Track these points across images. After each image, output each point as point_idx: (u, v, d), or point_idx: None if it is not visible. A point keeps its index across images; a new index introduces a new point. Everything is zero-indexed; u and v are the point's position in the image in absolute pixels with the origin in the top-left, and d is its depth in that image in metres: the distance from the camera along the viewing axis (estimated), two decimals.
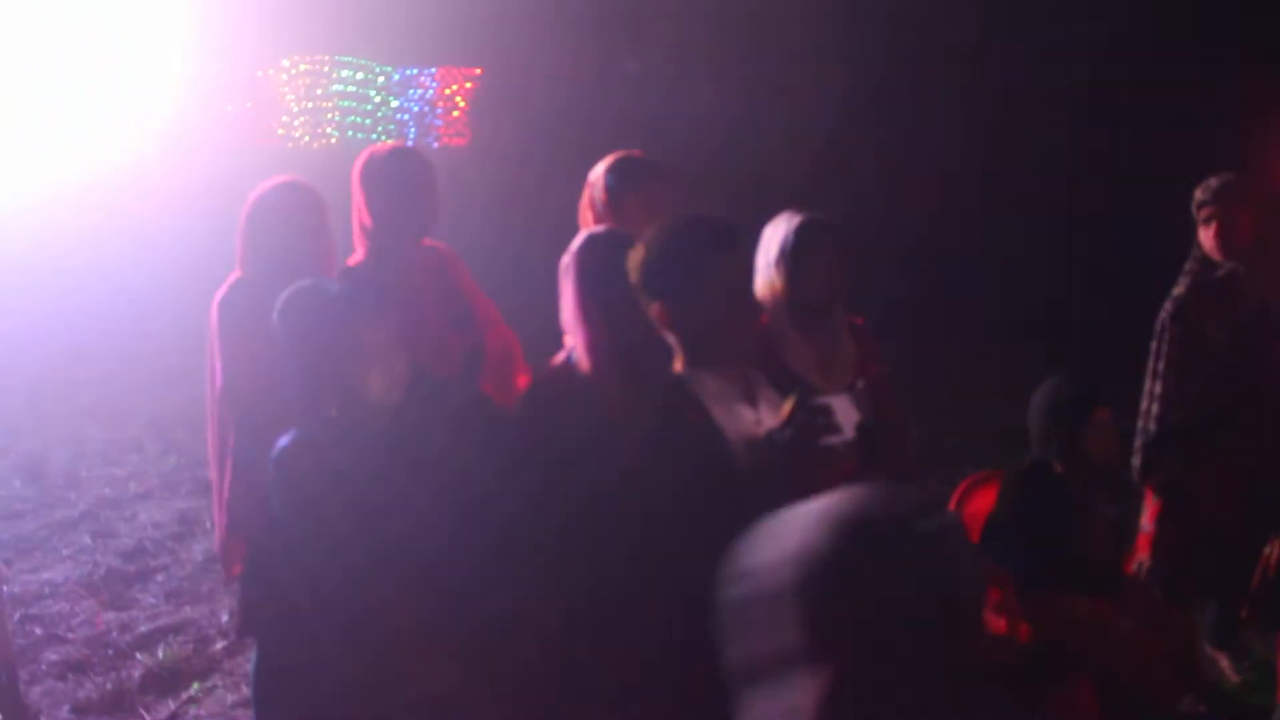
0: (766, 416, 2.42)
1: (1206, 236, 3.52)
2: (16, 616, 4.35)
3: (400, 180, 3.09)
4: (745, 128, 9.37)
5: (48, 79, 10.00)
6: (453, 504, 2.37)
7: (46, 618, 4.45)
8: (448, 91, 11.37)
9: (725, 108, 9.65)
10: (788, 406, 2.30)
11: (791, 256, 2.92)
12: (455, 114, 11.36)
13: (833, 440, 2.35)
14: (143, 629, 4.33)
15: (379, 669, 2.35)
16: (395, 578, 2.34)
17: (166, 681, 3.96)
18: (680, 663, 2.01)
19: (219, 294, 3.13)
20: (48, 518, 5.44)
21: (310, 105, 11.83)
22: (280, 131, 11.90)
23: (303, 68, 11.87)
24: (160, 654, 4.12)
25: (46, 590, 4.68)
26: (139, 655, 4.13)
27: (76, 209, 9.51)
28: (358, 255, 3.17)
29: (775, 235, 2.94)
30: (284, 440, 2.46)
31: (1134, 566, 3.57)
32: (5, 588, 4.06)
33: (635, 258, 2.33)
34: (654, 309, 2.33)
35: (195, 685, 3.91)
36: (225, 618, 4.34)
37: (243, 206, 3.15)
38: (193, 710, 3.80)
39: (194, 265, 3.16)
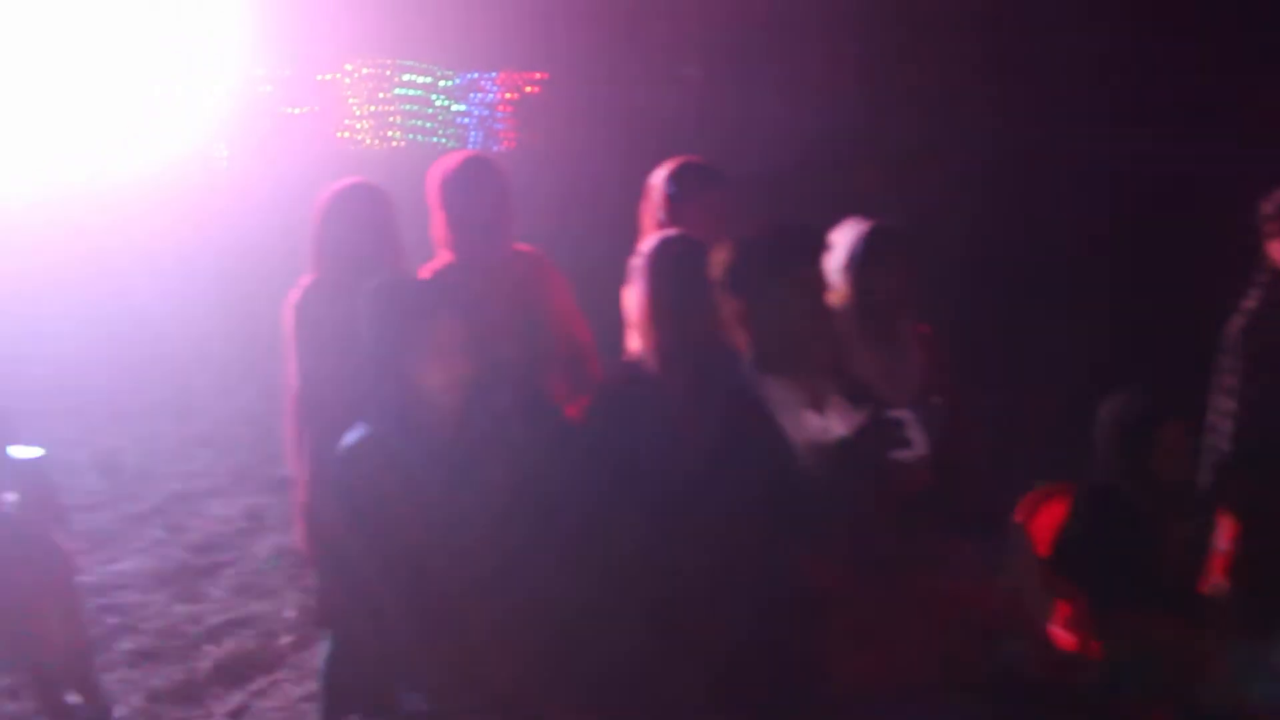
0: (834, 425, 2.43)
1: (1276, 250, 3.46)
2: (93, 606, 4.46)
3: (475, 188, 3.14)
4: (805, 131, 9.28)
5: (120, 76, 10.21)
6: (519, 505, 2.40)
7: (121, 608, 4.57)
8: (509, 96, 11.47)
9: (786, 112, 9.57)
10: (859, 417, 2.31)
11: (859, 264, 2.92)
12: (516, 118, 11.45)
13: (903, 454, 2.36)
14: (212, 622, 4.42)
15: (453, 667, 2.39)
16: (465, 578, 2.38)
17: (234, 674, 4.04)
18: (748, 662, 2.04)
19: (293, 296, 3.19)
20: (122, 511, 5.58)
21: (374, 108, 11.99)
22: (344, 134, 12.07)
23: (366, 71, 12.04)
24: (228, 647, 4.22)
25: (121, 581, 4.80)
26: (208, 647, 4.23)
27: (147, 207, 9.69)
28: (438, 261, 3.22)
29: (843, 242, 2.94)
30: (350, 436, 2.51)
31: (1210, 587, 3.50)
32: (82, 577, 4.15)
33: (722, 255, 2.36)
34: (732, 307, 2.35)
35: (262, 679, 3.99)
36: (290, 613, 4.42)
37: (312, 208, 3.20)
38: (259, 703, 3.87)
39: (260, 265, 3.23)
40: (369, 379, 2.55)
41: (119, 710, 3.77)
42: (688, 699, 2.27)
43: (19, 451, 3.85)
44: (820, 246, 2.51)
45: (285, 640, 4.18)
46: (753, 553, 2.24)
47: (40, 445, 4.01)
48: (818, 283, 2.46)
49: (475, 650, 2.39)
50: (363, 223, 3.13)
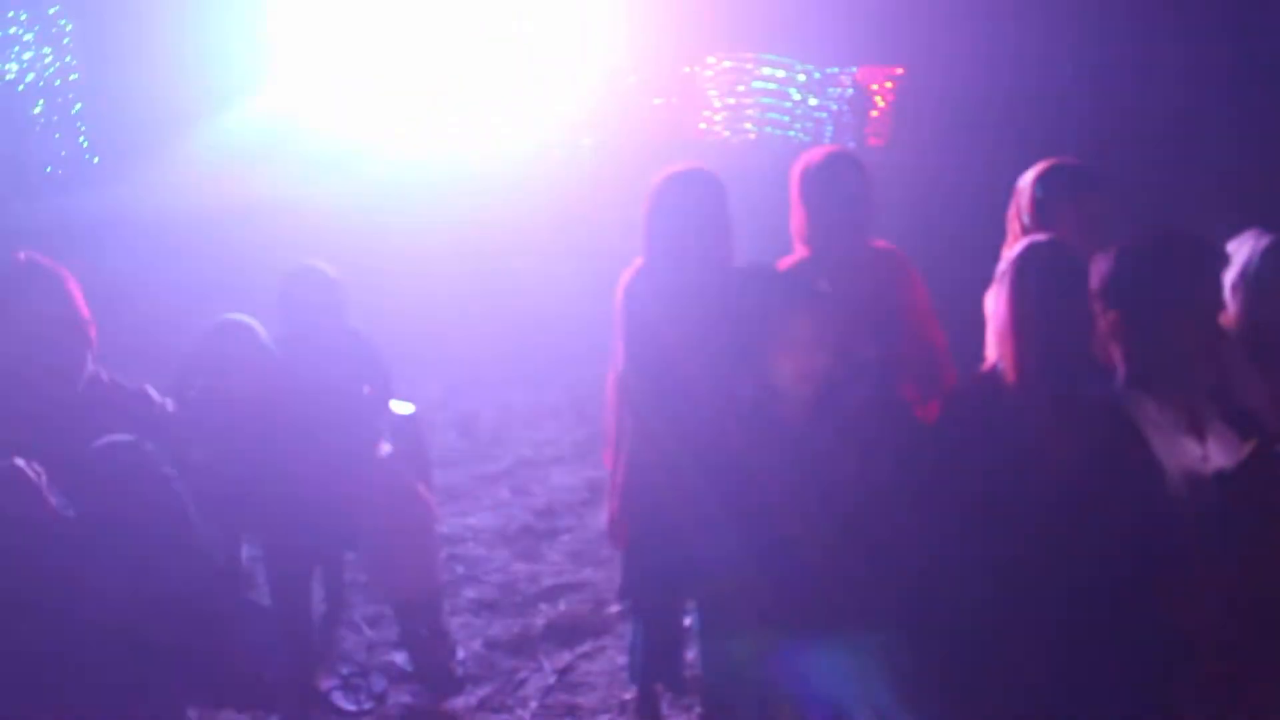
0: (1214, 454, 2.21)
1: None
2: (444, 555, 4.85)
3: (836, 184, 3.12)
4: (1220, 128, 8.12)
5: (492, 66, 10.85)
6: (865, 505, 2.36)
7: (467, 559, 4.94)
8: (869, 90, 11.30)
9: (1198, 103, 8.32)
10: (1244, 448, 2.09)
11: (1254, 280, 2.66)
12: (874, 113, 11.26)
13: None
14: (547, 583, 4.69)
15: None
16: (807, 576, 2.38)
17: (565, 634, 4.26)
18: (1102, 697, 1.90)
19: (624, 279, 3.24)
20: (475, 470, 6.02)
21: (732, 101, 12.18)
22: (702, 126, 12.33)
23: (727, 64, 12.24)
24: (561, 608, 4.45)
25: (469, 535, 5.19)
26: (543, 606, 4.49)
27: (515, 191, 10.30)
28: (795, 255, 3.22)
29: (1238, 255, 2.67)
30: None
31: None
32: (437, 527, 4.52)
33: (1099, 264, 2.21)
34: (1109, 319, 2.20)
35: (589, 642, 4.18)
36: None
37: (645, 192, 3.20)
38: (586, 665, 4.06)
39: (618, 249, 3.34)
40: (720, 366, 2.60)
41: (460, 652, 4.08)
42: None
43: (397, 406, 4.25)
44: (1213, 260, 2.29)
45: (613, 609, 4.35)
46: (1116, 586, 2.08)
47: (412, 403, 4.41)
48: (1207, 299, 2.24)
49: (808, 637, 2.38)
50: (688, 209, 3.12)
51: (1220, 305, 2.33)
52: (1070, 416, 2.22)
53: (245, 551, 4.37)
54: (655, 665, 3.41)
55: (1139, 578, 2.11)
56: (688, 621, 3.52)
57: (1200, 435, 2.25)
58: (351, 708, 3.83)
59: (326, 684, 3.95)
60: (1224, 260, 2.32)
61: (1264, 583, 2.09)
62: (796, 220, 3.22)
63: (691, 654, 3.50)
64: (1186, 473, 2.17)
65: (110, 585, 2.75)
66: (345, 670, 4.03)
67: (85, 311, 3.08)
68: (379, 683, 3.95)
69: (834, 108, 11.62)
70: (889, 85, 11.18)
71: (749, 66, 12.14)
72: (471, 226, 9.29)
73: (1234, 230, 2.76)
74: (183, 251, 8.06)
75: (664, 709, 3.52)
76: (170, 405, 3.74)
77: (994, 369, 2.42)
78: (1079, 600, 2.17)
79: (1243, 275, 2.67)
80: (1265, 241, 2.68)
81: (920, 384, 3.08)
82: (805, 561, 2.45)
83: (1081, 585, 2.13)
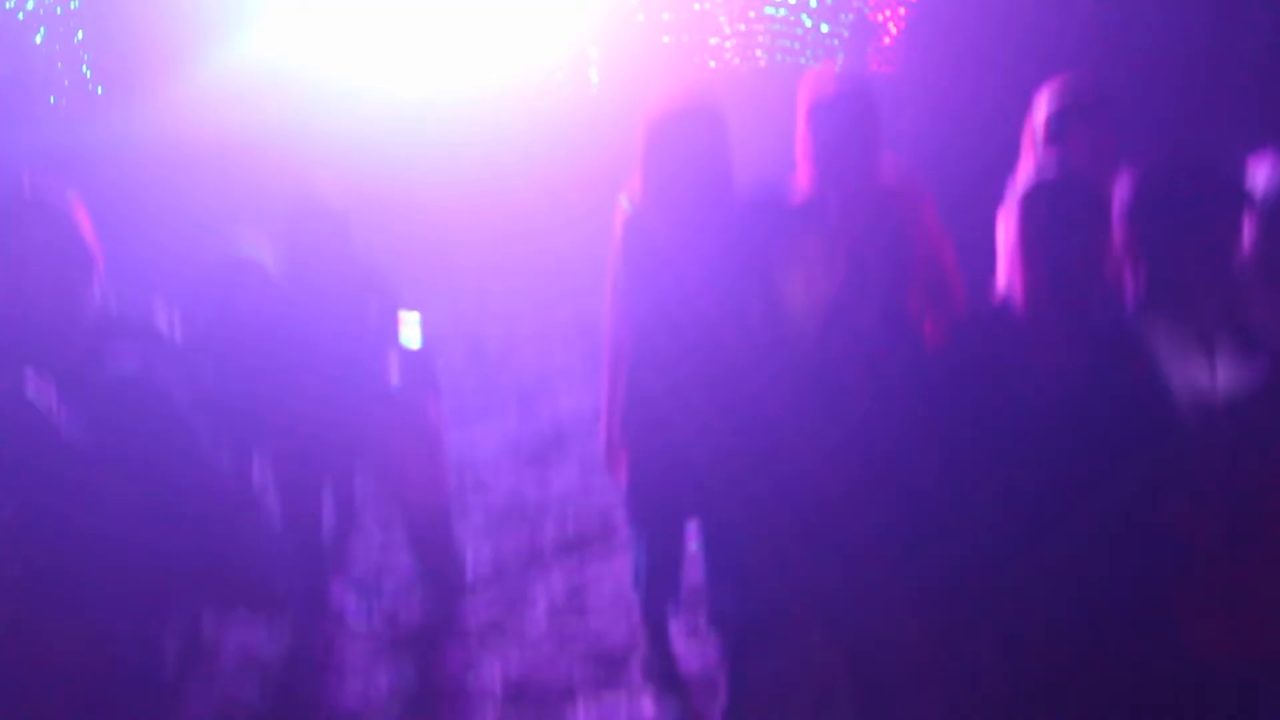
0: (1225, 378, 2.23)
1: None
2: (454, 471, 4.91)
3: (844, 110, 3.06)
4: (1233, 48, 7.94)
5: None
6: (871, 425, 2.39)
7: (477, 475, 5.01)
8: (881, 18, 11.13)
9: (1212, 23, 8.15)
10: (1255, 371, 2.11)
11: (1269, 204, 2.64)
12: (885, 40, 11.10)
13: None
14: (555, 497, 4.76)
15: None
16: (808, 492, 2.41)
17: (573, 546, 4.34)
18: (1105, 613, 1.95)
19: (621, 210, 3.19)
20: (483, 392, 6.08)
21: (742, 28, 12.02)
22: (711, 63, 12.17)
23: None
24: (569, 522, 4.52)
25: (478, 454, 5.25)
26: (550, 520, 4.56)
27: (521, 121, 10.18)
28: (804, 181, 3.20)
29: (1255, 178, 2.66)
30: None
31: None
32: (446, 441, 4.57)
33: (1118, 186, 2.22)
34: (1126, 238, 2.20)
35: (597, 554, 4.26)
36: None
37: (643, 124, 3.12)
38: (593, 575, 4.14)
39: (622, 178, 3.33)
40: (726, 288, 2.61)
41: (469, 564, 4.16)
42: (1034, 638, 2.19)
43: (406, 332, 4.28)
44: (1230, 183, 2.29)
45: (621, 521, 4.41)
46: (1122, 506, 2.12)
47: (421, 326, 4.44)
48: (1222, 221, 2.24)
49: (812, 553, 2.42)
50: (684, 142, 3.05)
51: (1236, 229, 2.33)
52: (1080, 341, 2.24)
53: (257, 469, 4.44)
54: (660, 580, 3.47)
55: (1145, 498, 2.15)
56: (692, 538, 3.58)
57: (1211, 359, 2.26)
58: (363, 618, 3.92)
59: (337, 595, 4.03)
60: (1241, 184, 2.31)
61: (1266, 501, 2.12)
62: (804, 153, 3.17)
63: (697, 568, 3.57)
64: (1195, 395, 2.20)
65: (124, 503, 2.79)
66: (357, 582, 4.12)
67: (93, 241, 3.08)
68: (390, 594, 4.03)
69: (845, 34, 11.46)
70: (901, 11, 11.03)
71: None
72: (479, 157, 9.24)
73: (1253, 154, 2.74)
74: (187, 182, 8.03)
75: (669, 617, 3.59)
76: (179, 335, 3.77)
77: (1004, 293, 2.43)
78: (1084, 521, 2.20)
79: (1264, 199, 2.65)
80: None
81: (931, 308, 3.08)
82: (808, 481, 2.48)
83: (1087, 507, 2.16)
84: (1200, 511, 2.13)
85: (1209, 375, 2.24)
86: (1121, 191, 2.29)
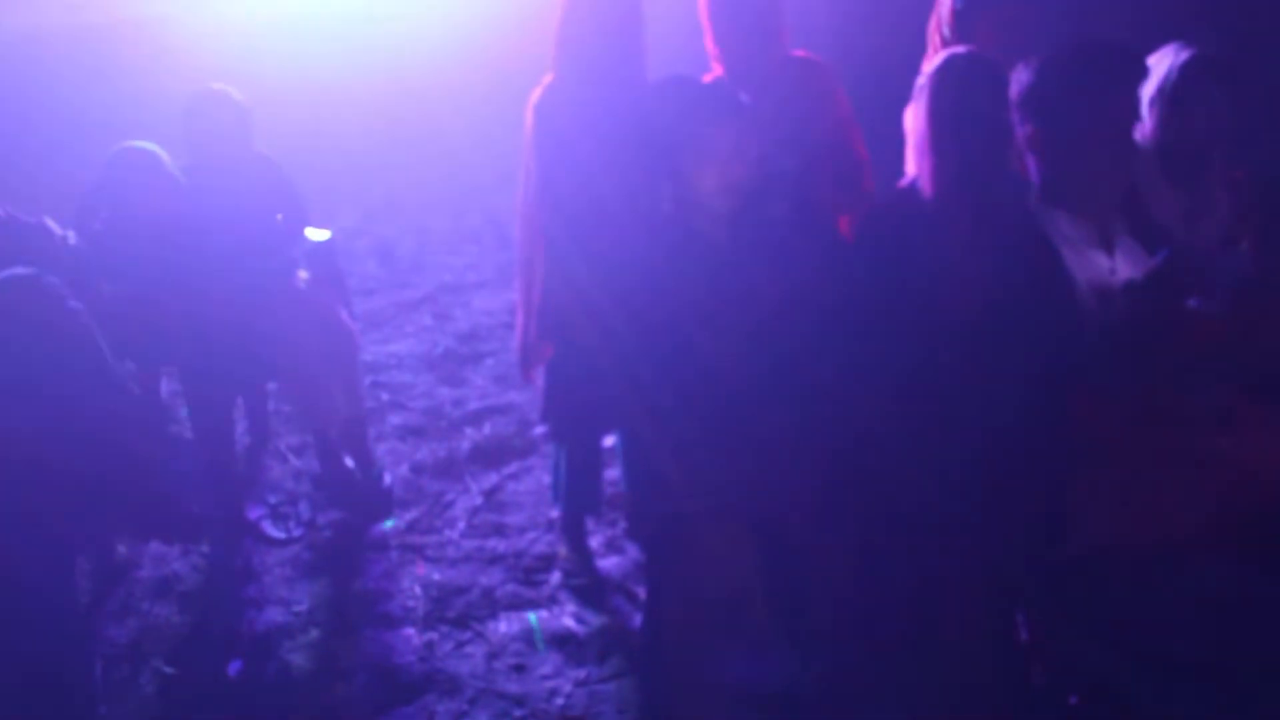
0: (1123, 267, 2.26)
1: None
2: (368, 382, 4.84)
3: (743, 6, 3.00)
4: None
5: None
6: (783, 314, 2.39)
7: (392, 386, 4.94)
8: None
9: None
10: (1153, 260, 2.14)
11: (1171, 96, 2.66)
12: None
13: (1198, 304, 2.17)
14: (472, 406, 4.72)
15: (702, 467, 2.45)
16: (725, 381, 2.41)
17: (491, 455, 4.32)
18: (1005, 500, 1.99)
19: (533, 97, 3.13)
20: (395, 297, 5.97)
21: None
22: None
23: None
24: (486, 431, 4.50)
25: (392, 362, 5.18)
26: (468, 430, 4.53)
27: (434, 20, 9.84)
28: (713, 73, 3.13)
29: (1156, 70, 2.67)
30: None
31: None
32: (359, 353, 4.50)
33: (1017, 75, 2.20)
34: (1026, 131, 2.20)
35: (515, 463, 4.25)
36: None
37: (553, 5, 3.09)
38: (512, 486, 4.13)
39: (531, 75, 3.23)
40: (637, 180, 2.56)
41: (387, 477, 4.12)
42: (939, 524, 2.24)
43: (313, 234, 4.15)
44: (1131, 73, 2.28)
45: (538, 430, 4.41)
46: (1024, 391, 2.15)
47: (328, 230, 4.31)
48: (1124, 112, 2.25)
49: (726, 451, 2.43)
50: (600, 21, 3.01)
51: (1136, 119, 2.34)
52: (985, 229, 2.25)
53: (164, 385, 4.32)
54: (577, 486, 3.47)
55: (1047, 388, 2.18)
56: (608, 441, 3.58)
57: (1110, 249, 2.29)
58: (280, 535, 3.87)
59: (254, 513, 3.97)
60: (1143, 74, 2.32)
61: (1164, 392, 2.17)
62: (708, 38, 3.11)
63: (613, 473, 3.58)
64: (1095, 285, 2.22)
65: (24, 421, 2.70)
66: (272, 499, 4.06)
67: None
68: (306, 510, 3.98)
69: None
70: None
71: None
72: (384, 55, 8.95)
73: (1157, 44, 2.75)
74: (70, 71, 7.63)
75: (588, 526, 3.61)
76: (73, 238, 3.60)
77: (912, 182, 2.42)
78: (987, 410, 2.23)
79: (1160, 90, 2.67)
80: (1184, 56, 2.67)
81: (841, 196, 3.07)
82: (721, 375, 2.48)
83: (990, 395, 2.19)
84: (1097, 399, 2.17)
85: (1108, 265, 2.27)
86: (1023, 78, 2.28)
